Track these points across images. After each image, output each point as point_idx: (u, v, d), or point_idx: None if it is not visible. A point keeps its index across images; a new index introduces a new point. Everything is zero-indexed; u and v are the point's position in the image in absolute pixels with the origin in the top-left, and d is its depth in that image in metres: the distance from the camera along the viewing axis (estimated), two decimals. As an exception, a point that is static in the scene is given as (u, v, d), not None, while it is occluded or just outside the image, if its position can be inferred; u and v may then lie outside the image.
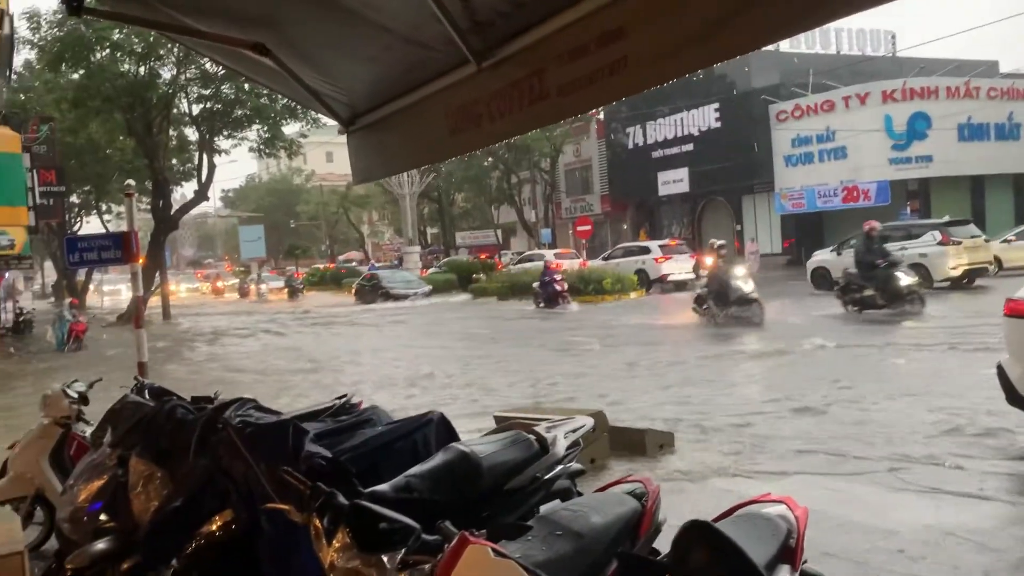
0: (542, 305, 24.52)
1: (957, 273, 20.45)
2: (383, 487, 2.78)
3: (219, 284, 57.60)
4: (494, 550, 1.83)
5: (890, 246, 21.14)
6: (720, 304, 16.98)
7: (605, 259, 31.97)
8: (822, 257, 23.94)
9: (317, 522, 2.11)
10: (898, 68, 34.62)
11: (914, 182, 32.69)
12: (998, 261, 24.04)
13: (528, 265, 34.67)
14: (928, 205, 32.24)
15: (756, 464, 6.46)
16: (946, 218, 22.70)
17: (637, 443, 6.56)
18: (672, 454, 6.69)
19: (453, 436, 3.61)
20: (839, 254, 22.79)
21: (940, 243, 20.64)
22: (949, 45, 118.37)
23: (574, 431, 3.24)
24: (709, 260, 24.43)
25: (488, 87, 3.43)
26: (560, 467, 3.05)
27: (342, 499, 2.12)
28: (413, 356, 15.52)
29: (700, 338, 15.44)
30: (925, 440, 6.84)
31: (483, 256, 45.06)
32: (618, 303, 25.59)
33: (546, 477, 2.98)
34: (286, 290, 44.61)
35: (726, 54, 2.44)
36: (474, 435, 4.31)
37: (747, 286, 16.65)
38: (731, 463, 6.50)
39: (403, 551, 1.98)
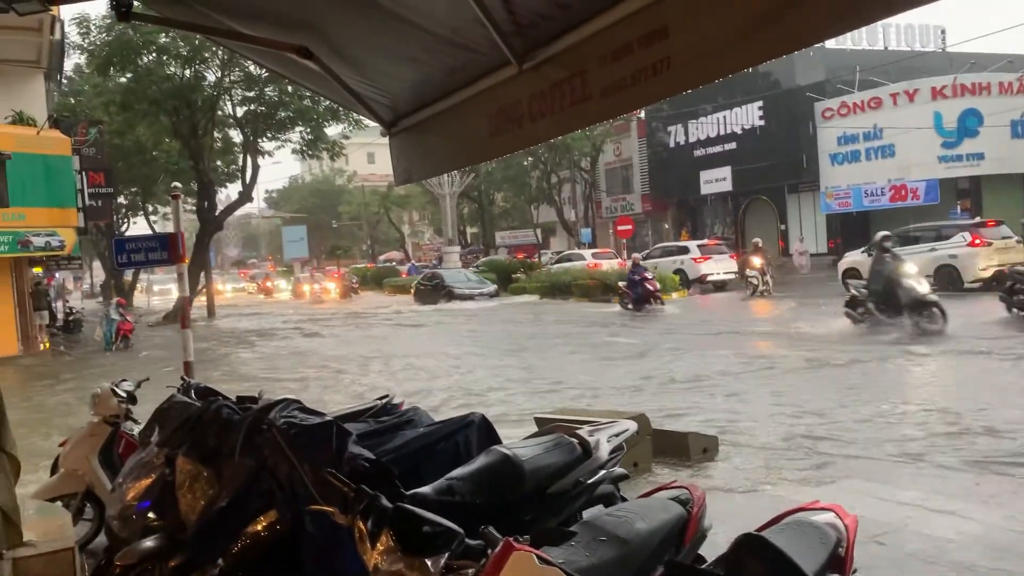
0: (630, 306, 22.18)
1: (987, 274, 20.13)
2: (425, 489, 2.78)
3: (268, 284, 55.83)
4: (539, 557, 1.81)
5: (919, 247, 21.23)
6: (886, 308, 14.42)
7: (643, 259, 31.81)
8: (853, 258, 23.86)
9: (361, 524, 2.12)
10: (948, 64, 33.84)
11: (965, 180, 31.96)
12: None
13: (568, 265, 34.56)
14: (980, 204, 31.48)
15: (802, 471, 6.35)
16: (977, 219, 22.52)
17: (680, 447, 6.49)
18: (716, 459, 6.61)
19: (494, 438, 3.61)
20: (870, 255, 22.52)
21: (970, 244, 20.51)
22: (1002, 40, 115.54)
23: (617, 435, 3.21)
24: (757, 260, 24.01)
25: (529, 88, 3.42)
26: (603, 471, 3.02)
27: (385, 502, 2.12)
28: (527, 373, 12.60)
29: (875, 345, 12.86)
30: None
31: (519, 255, 44.91)
32: (673, 304, 25.12)
33: (589, 482, 2.96)
34: (339, 290, 42.91)
35: (772, 53, 2.39)
36: (516, 438, 4.30)
37: (922, 287, 14.17)
38: (774, 471, 6.40)
39: (447, 555, 1.97)
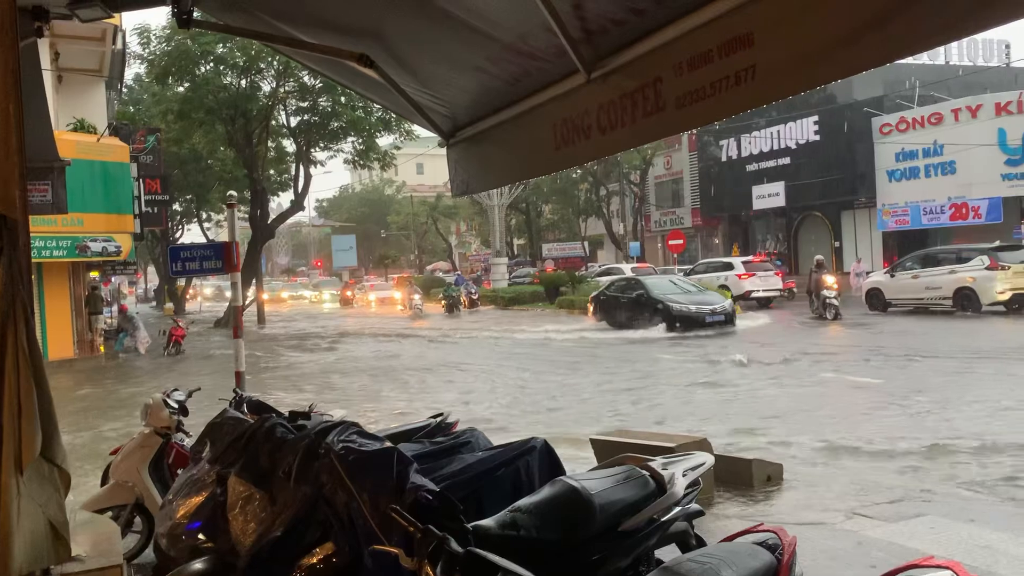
0: None
1: (1005, 297, 20.82)
2: (487, 522, 2.61)
3: (348, 293, 49.04)
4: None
5: (940, 269, 22.12)
6: None
7: (687, 274, 31.36)
8: (877, 279, 24.77)
9: (428, 570, 1.95)
10: (1013, 79, 32.96)
11: (1029, 199, 31.00)
12: None
13: (610, 279, 34.12)
14: (1044, 224, 30.49)
15: (876, 504, 6.00)
16: (996, 243, 22.70)
17: (743, 474, 6.22)
18: (781, 487, 6.31)
19: (557, 466, 3.44)
20: (892, 276, 23.71)
21: (988, 267, 21.00)
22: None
23: (694, 468, 3.01)
24: (832, 279, 22.88)
25: (598, 98, 3.28)
26: (678, 508, 2.82)
27: (456, 545, 1.95)
28: None
29: None
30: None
31: (548, 269, 44.14)
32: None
33: (663, 519, 2.76)
34: (443, 303, 33.61)
35: (868, 64, 2.21)
36: (572, 462, 4.11)
37: None
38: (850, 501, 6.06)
39: (522, 609, 1.80)
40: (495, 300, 35.78)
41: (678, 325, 20.10)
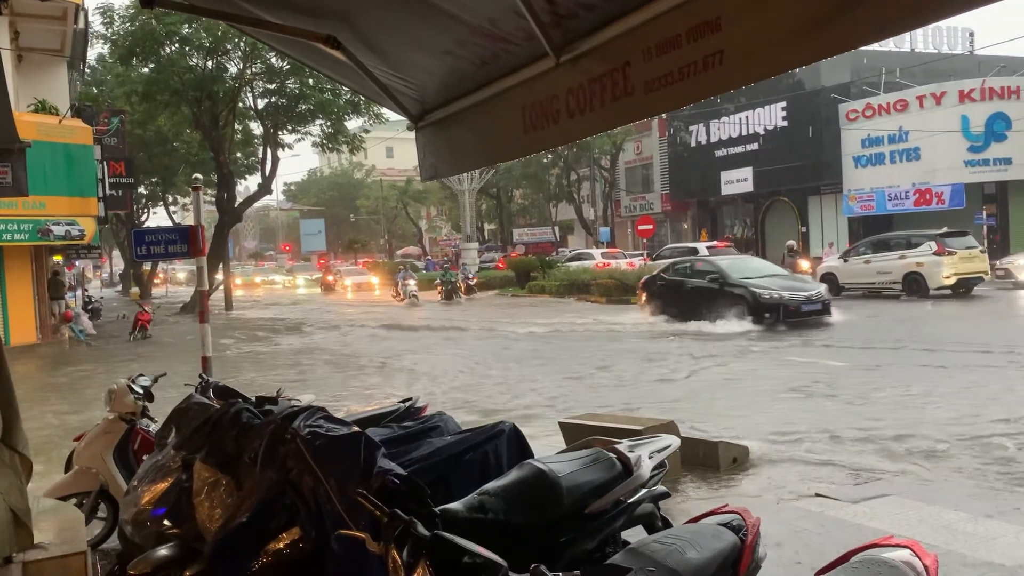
0: None
1: (951, 282, 21.63)
2: (455, 505, 2.62)
3: (330, 278, 46.74)
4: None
5: (890, 254, 22.94)
6: None
7: (653, 260, 31.54)
8: (831, 264, 25.56)
9: (395, 553, 1.96)
10: (976, 67, 33.40)
11: (991, 185, 31.53)
12: None
13: (579, 263, 34.23)
14: (1006, 209, 31.06)
15: (841, 485, 6.09)
16: (944, 229, 23.42)
17: (710, 456, 6.29)
18: (747, 469, 6.40)
19: (525, 450, 3.45)
20: (846, 261, 24.47)
21: (935, 253, 21.78)
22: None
23: (659, 451, 3.03)
24: (806, 264, 23.22)
25: (567, 82, 3.28)
26: (644, 490, 2.85)
27: (422, 529, 1.96)
28: None
29: None
30: None
31: (514, 255, 43.95)
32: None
33: (629, 501, 2.78)
34: (439, 289, 31.26)
35: (835, 49, 2.24)
36: (543, 447, 4.12)
37: None
38: (810, 482, 6.17)
39: (488, 591, 1.81)
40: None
41: (767, 316, 16.54)
